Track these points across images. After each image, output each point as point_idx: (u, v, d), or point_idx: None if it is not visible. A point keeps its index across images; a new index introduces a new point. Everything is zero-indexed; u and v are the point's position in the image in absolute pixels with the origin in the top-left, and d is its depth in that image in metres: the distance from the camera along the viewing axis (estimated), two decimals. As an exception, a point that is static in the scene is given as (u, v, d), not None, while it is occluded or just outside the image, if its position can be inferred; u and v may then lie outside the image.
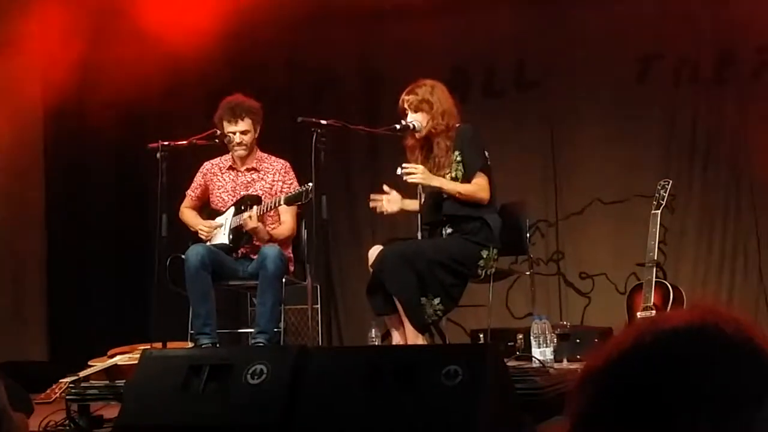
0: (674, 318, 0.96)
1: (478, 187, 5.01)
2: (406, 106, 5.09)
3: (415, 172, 4.93)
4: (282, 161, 5.74)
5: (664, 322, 0.96)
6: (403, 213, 5.29)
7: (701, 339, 0.94)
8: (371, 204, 5.25)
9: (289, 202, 5.24)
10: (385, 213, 5.24)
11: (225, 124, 5.57)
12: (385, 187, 5.20)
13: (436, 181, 4.99)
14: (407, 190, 5.19)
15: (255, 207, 5.39)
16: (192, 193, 5.81)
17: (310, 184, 4.95)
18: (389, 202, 5.19)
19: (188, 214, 5.77)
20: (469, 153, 5.04)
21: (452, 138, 5.05)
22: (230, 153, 5.72)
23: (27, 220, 8.24)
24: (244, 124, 5.57)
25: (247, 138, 5.59)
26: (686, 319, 0.95)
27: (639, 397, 0.92)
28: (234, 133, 5.56)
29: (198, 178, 5.81)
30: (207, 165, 5.82)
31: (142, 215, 7.64)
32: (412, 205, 5.26)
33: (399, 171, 5.16)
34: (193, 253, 5.33)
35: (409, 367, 3.67)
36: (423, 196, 5.20)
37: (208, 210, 5.75)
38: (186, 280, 5.33)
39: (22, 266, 8.25)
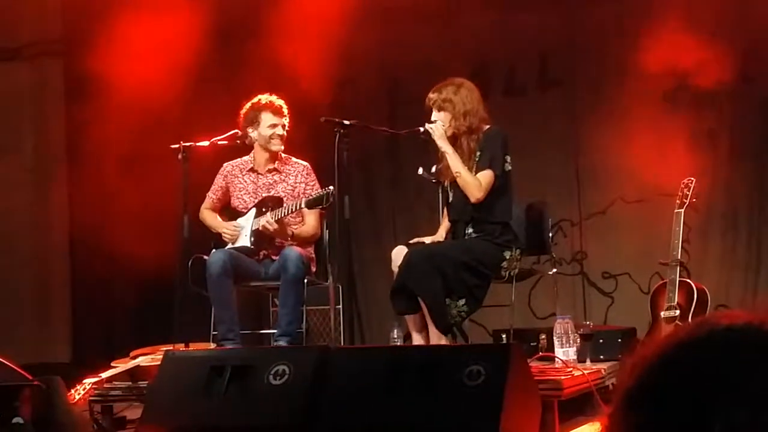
0: (734, 316, 0.97)
1: (477, 182, 4.95)
2: (431, 104, 5.08)
3: (437, 129, 4.97)
4: (304, 163, 5.72)
5: (724, 318, 0.97)
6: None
7: (752, 338, 0.93)
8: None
9: (310, 205, 5.22)
10: None
11: (270, 116, 5.56)
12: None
13: (448, 148, 4.98)
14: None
15: (268, 213, 5.38)
16: (213, 195, 5.80)
17: (332, 187, 4.92)
18: None
19: (209, 216, 5.76)
20: (485, 152, 5.00)
21: (478, 140, 5.02)
22: (251, 154, 5.72)
23: (51, 221, 8.28)
24: (286, 120, 5.60)
25: (285, 134, 5.62)
26: (746, 318, 0.96)
27: (682, 387, 0.92)
28: (276, 126, 5.57)
29: (218, 180, 5.80)
30: (227, 167, 5.80)
31: (163, 216, 7.65)
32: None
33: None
34: (216, 260, 5.33)
35: (432, 367, 3.65)
36: (451, 194, 5.19)
37: (228, 211, 5.75)
38: (208, 287, 5.33)
39: (46, 268, 8.29)
